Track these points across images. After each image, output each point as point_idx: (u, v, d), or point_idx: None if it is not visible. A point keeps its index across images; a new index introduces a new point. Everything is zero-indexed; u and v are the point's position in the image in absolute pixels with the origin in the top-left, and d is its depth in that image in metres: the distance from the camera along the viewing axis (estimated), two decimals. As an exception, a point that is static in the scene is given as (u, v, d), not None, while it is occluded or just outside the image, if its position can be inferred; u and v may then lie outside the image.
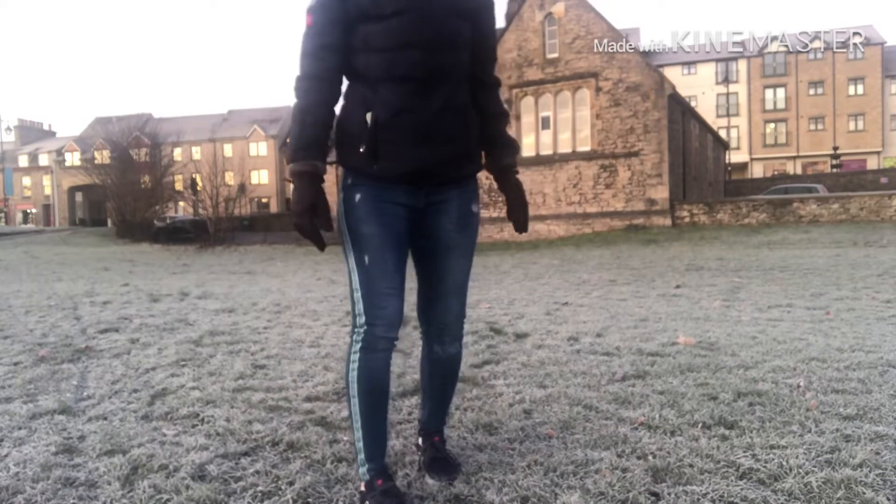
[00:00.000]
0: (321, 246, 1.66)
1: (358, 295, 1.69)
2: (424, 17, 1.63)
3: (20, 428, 2.48)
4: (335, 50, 1.65)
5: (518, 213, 1.89)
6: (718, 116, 45.59)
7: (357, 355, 1.69)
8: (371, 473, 1.71)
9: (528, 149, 23.68)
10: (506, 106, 1.95)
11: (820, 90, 47.46)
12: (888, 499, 1.71)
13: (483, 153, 1.86)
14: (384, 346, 1.71)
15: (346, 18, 1.63)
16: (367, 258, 1.67)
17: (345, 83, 1.74)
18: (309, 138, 1.63)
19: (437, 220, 1.78)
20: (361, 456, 1.72)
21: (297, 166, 1.62)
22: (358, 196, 1.69)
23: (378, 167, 1.66)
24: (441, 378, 1.96)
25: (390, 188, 1.69)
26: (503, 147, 1.87)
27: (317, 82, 1.65)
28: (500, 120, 1.87)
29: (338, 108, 1.73)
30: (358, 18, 1.63)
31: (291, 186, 1.70)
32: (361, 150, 1.65)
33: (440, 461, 1.92)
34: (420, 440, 2.04)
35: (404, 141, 1.65)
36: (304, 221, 1.62)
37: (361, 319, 1.69)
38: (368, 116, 1.64)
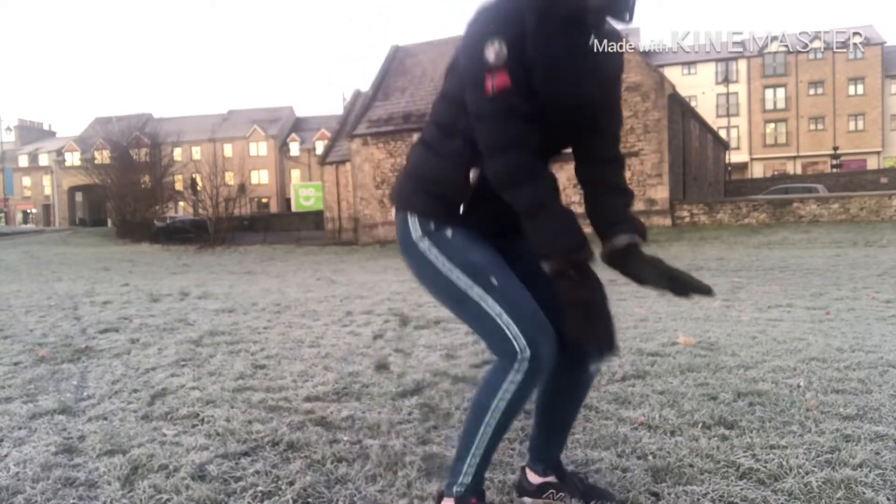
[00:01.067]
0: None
1: (503, 319, 1.47)
2: (564, 122, 1.57)
3: (20, 428, 2.48)
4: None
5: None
6: (718, 116, 45.56)
7: (514, 385, 1.48)
8: (468, 494, 1.59)
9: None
10: None
11: (820, 90, 47.47)
12: (888, 499, 1.71)
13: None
14: (544, 369, 1.50)
15: None
16: (493, 279, 1.51)
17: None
18: (574, 223, 1.49)
19: (520, 253, 1.64)
20: (467, 479, 1.57)
21: (586, 257, 1.48)
22: (449, 231, 1.55)
23: (470, 220, 1.56)
24: (581, 401, 1.77)
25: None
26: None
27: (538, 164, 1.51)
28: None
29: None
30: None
31: (576, 274, 1.49)
32: (461, 209, 1.54)
33: (600, 489, 1.77)
34: (544, 476, 1.76)
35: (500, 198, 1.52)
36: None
37: (521, 342, 1.45)
38: (472, 173, 1.52)
